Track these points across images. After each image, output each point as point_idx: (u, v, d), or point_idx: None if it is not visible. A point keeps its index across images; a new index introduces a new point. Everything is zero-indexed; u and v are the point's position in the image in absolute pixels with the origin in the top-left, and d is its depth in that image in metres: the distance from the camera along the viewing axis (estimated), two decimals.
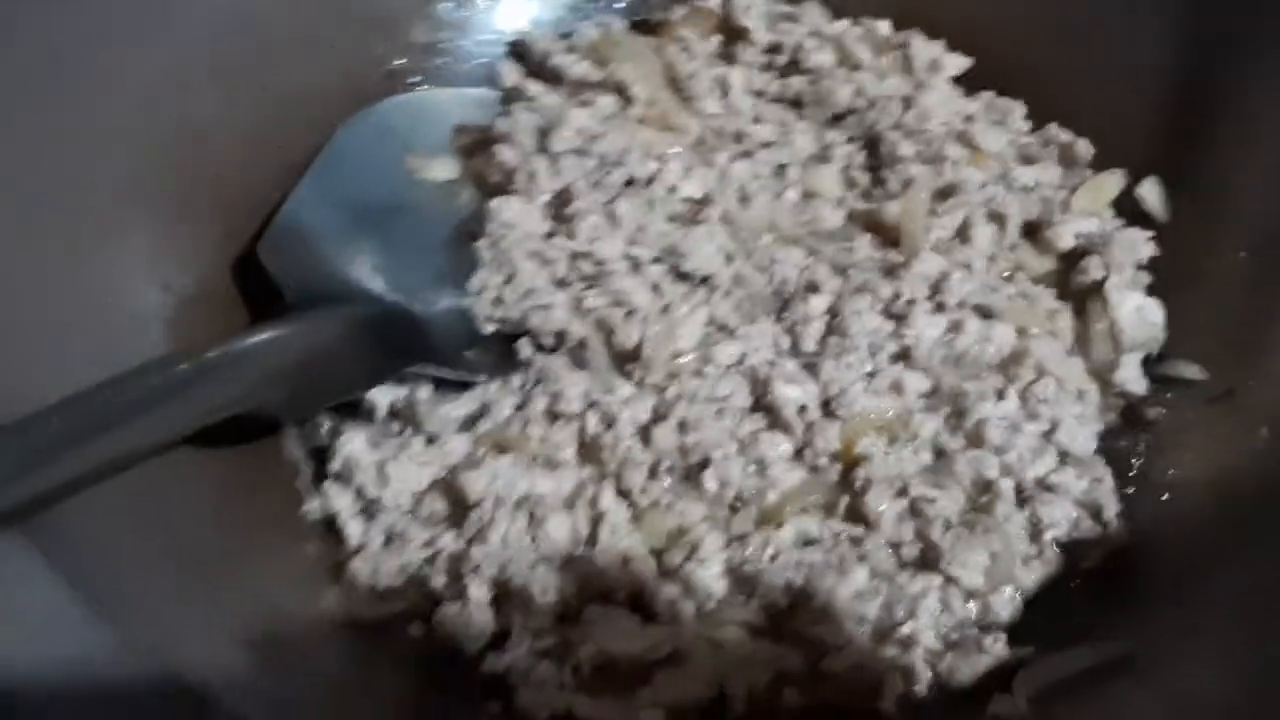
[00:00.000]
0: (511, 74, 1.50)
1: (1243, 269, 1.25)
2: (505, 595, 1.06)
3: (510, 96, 1.47)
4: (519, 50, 1.52)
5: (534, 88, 1.45)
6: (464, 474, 1.12)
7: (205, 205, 1.21)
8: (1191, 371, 1.23)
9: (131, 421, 0.96)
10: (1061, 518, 1.12)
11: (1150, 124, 1.35)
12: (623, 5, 1.55)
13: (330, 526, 1.13)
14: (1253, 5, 1.27)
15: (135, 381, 0.97)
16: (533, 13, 1.54)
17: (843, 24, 1.48)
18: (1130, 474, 1.18)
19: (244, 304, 1.23)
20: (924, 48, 1.44)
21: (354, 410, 1.20)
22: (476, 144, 1.41)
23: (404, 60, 1.46)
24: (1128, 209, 1.34)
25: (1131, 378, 1.22)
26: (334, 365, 1.14)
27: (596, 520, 1.11)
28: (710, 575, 1.07)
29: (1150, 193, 1.33)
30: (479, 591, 1.05)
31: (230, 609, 0.99)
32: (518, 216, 1.27)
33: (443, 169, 1.40)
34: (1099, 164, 1.37)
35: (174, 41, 1.18)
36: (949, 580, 1.08)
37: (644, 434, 1.16)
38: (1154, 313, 1.25)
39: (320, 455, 1.17)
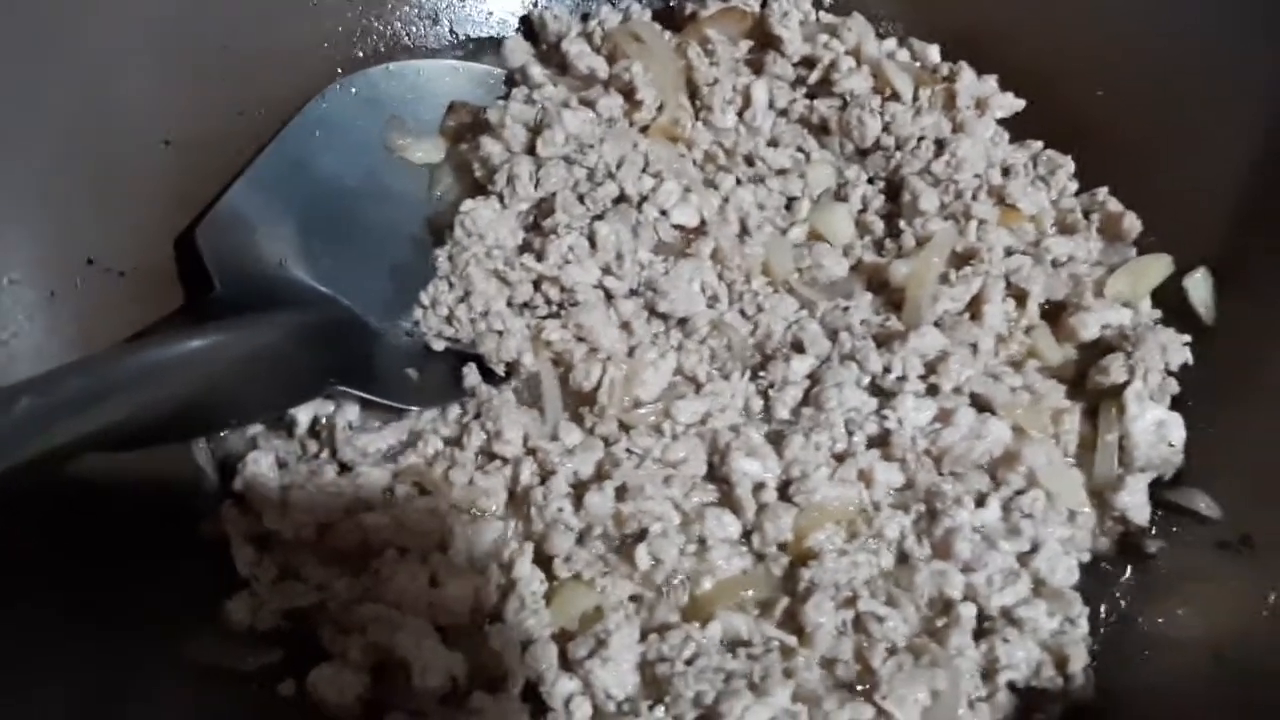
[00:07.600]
0: (519, 53, 1.37)
1: None
2: (388, 666, 0.97)
3: (514, 79, 1.34)
4: (532, 27, 1.39)
5: (539, 74, 1.32)
6: (371, 516, 1.02)
7: (145, 178, 1.11)
8: (1206, 506, 1.07)
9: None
10: (1022, 660, 0.99)
11: (1213, 209, 1.18)
12: None
13: (222, 550, 1.03)
14: None
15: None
16: None
17: (889, 44, 1.33)
18: (1110, 619, 1.05)
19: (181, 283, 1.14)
20: (972, 83, 1.28)
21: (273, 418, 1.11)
22: (467, 127, 1.29)
23: (396, 26, 1.33)
24: (1169, 303, 1.18)
25: (1135, 503, 1.08)
26: (260, 379, 1.04)
27: (506, 590, 1.00)
28: (616, 673, 0.96)
29: (1198, 287, 1.18)
30: (359, 655, 0.96)
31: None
32: (488, 224, 1.15)
33: (427, 151, 1.29)
34: (1145, 245, 1.21)
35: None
36: (881, 714, 0.96)
37: (579, 494, 1.05)
38: (1175, 431, 1.10)
39: (229, 468, 1.08)
